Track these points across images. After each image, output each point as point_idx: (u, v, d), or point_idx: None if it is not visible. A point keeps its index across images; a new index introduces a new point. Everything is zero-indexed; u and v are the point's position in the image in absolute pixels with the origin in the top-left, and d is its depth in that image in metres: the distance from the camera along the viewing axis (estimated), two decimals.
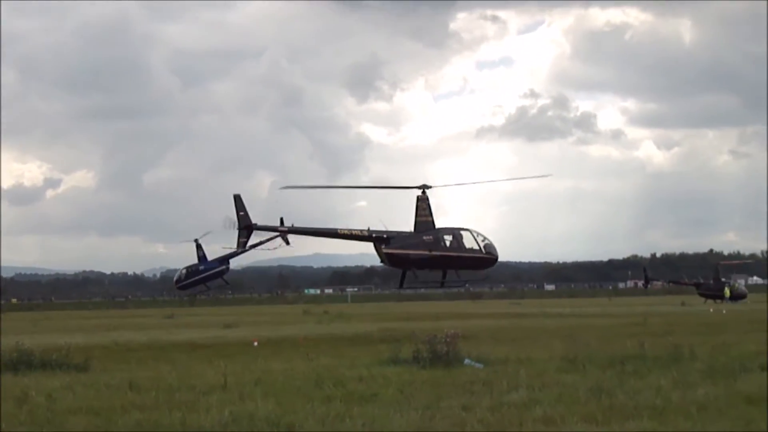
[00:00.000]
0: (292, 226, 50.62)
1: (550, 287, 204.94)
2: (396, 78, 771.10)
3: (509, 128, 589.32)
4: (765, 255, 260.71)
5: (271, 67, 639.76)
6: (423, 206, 45.85)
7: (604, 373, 19.90)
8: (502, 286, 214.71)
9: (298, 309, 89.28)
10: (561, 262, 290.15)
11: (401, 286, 48.52)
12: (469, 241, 46.67)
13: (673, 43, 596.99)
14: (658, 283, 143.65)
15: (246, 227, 47.90)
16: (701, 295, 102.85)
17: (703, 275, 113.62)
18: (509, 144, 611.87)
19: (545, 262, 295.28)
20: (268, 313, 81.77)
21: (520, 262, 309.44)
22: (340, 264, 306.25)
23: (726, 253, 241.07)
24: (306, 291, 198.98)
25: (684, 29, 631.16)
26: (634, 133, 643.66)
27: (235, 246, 52.55)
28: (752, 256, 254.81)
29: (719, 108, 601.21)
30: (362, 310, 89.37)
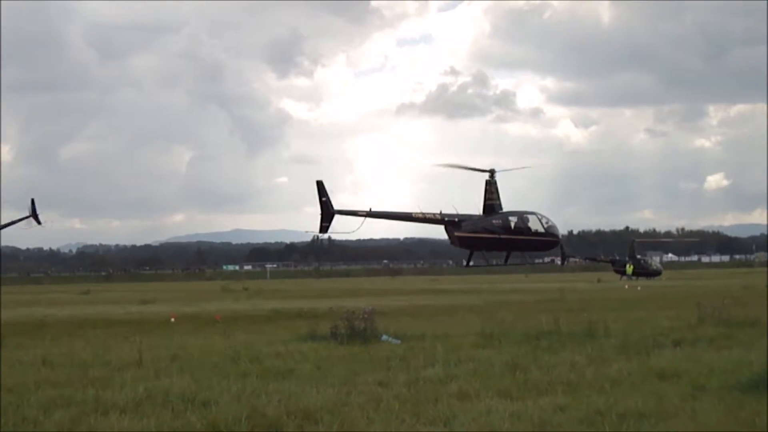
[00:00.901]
0: (370, 210, 52.84)
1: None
2: (317, 54, 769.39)
3: (429, 105, 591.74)
4: (680, 233, 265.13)
5: (191, 42, 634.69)
6: (491, 190, 48.17)
7: (519, 348, 20.07)
8: (422, 262, 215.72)
9: (216, 285, 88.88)
10: None
11: (467, 264, 49.73)
12: (534, 224, 48.55)
13: (591, 22, 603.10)
14: (575, 260, 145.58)
15: (330, 213, 49.61)
16: (617, 271, 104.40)
17: (619, 252, 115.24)
18: (430, 121, 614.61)
19: None
20: (185, 290, 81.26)
21: (440, 239, 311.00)
22: (260, 240, 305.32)
23: (642, 230, 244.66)
24: (225, 267, 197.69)
25: (602, 9, 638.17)
26: (552, 111, 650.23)
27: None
28: (667, 233, 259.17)
29: (636, 87, 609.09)
30: (281, 286, 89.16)
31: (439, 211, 50.80)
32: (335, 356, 19.48)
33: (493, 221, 47.24)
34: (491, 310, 32.94)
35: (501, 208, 48.11)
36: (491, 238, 46.82)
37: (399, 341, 22.51)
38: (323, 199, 48.82)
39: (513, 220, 47.72)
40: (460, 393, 14.11)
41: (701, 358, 17.73)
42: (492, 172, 47.74)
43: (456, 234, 47.53)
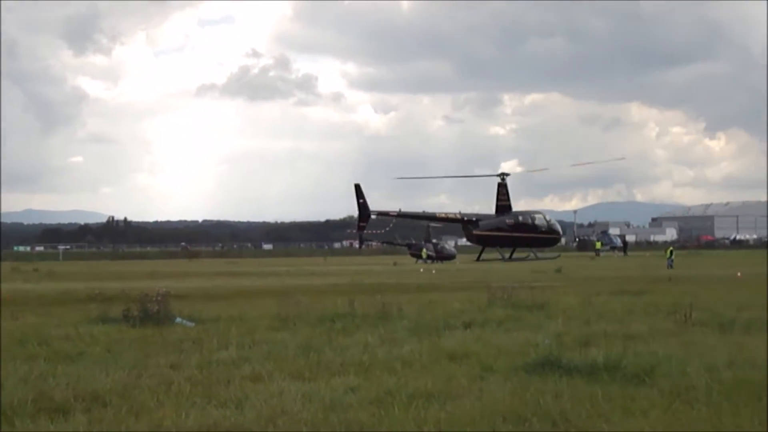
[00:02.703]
0: (400, 210, 58.67)
1: (267, 247, 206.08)
2: (115, 31, 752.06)
3: (231, 87, 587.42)
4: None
5: None
6: (503, 192, 52.93)
7: (314, 330, 20.18)
8: (220, 245, 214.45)
9: (6, 266, 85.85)
10: (279, 221, 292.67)
11: (479, 259, 52.63)
12: (540, 222, 53.12)
13: (391, 9, 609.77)
14: (373, 244, 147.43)
15: (366, 214, 53.94)
16: (413, 255, 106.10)
17: (416, 236, 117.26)
18: (231, 103, 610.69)
19: (264, 222, 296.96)
20: None
21: (239, 222, 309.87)
22: (53, 221, 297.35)
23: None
24: (15, 248, 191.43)
25: None
26: (353, 96, 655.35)
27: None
28: None
29: (434, 74, 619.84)
30: (74, 268, 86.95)
31: (458, 212, 57.52)
32: (127, 339, 19.14)
33: (507, 220, 52.60)
34: (288, 292, 32.91)
35: (511, 209, 53.55)
36: (506, 235, 52.21)
37: (193, 324, 22.29)
38: (360, 201, 53.82)
39: (522, 218, 52.88)
40: (253, 375, 14.10)
41: (490, 339, 18.19)
42: (503, 175, 53.07)
43: (475, 233, 53.02)
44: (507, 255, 53.75)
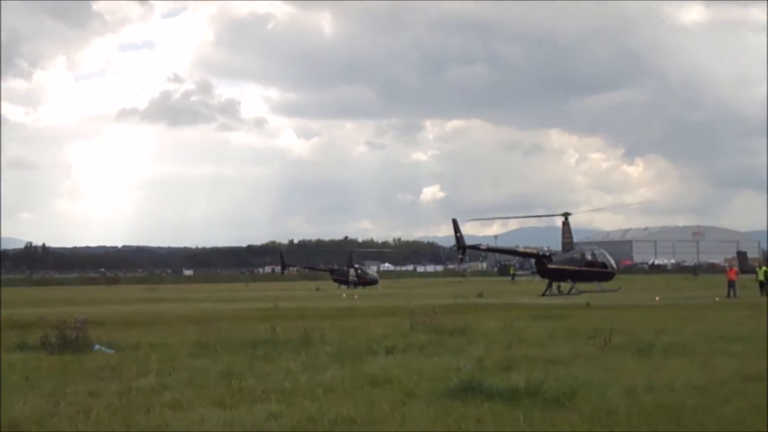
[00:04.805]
0: (488, 246, 68.78)
1: (188, 272, 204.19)
2: (36, 55, 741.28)
3: (152, 112, 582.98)
4: (397, 243, 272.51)
5: None
6: (567, 230, 58.76)
7: (235, 357, 20.02)
8: (140, 271, 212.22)
9: None
10: (200, 247, 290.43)
11: (544, 294, 56.77)
12: (601, 258, 59.85)
13: (314, 35, 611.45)
14: (295, 269, 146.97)
15: (462, 246, 63.99)
16: (335, 280, 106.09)
17: (338, 261, 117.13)
18: (152, 128, 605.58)
19: (184, 248, 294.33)
20: None
21: (159, 247, 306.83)
22: None
23: (360, 240, 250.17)
24: None
25: (325, 22, 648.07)
26: (275, 121, 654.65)
27: None
28: (385, 243, 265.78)
29: (357, 100, 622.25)
30: None
31: (538, 248, 65.58)
32: (45, 366, 18.81)
33: (575, 256, 57.02)
34: (209, 319, 32.64)
35: (573, 246, 58.18)
36: (576, 270, 57.46)
37: (112, 351, 22.01)
38: (457, 234, 62.39)
39: (587, 255, 57.58)
40: (173, 402, 13.92)
41: (412, 364, 18.20)
42: (566, 215, 57.40)
43: (549, 267, 57.92)
44: (570, 289, 57.28)
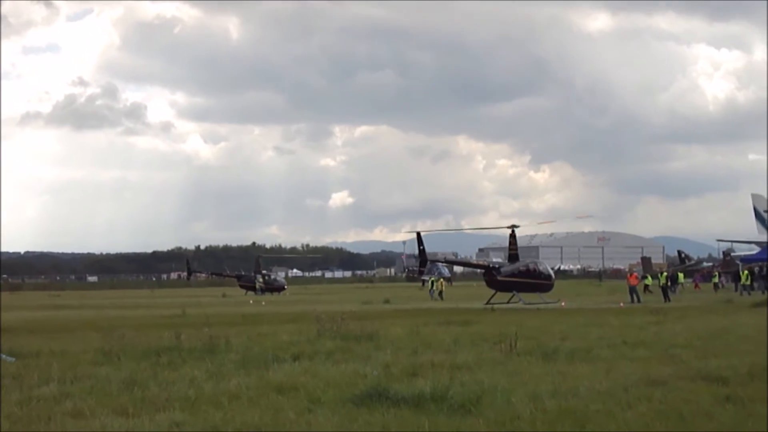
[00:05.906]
0: (446, 257, 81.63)
1: (92, 279, 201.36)
2: None
3: (56, 116, 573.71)
4: (305, 248, 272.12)
5: None
6: (513, 241, 60.21)
7: (138, 364, 19.73)
8: (42, 277, 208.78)
9: None
10: (105, 253, 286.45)
11: (488, 303, 56.48)
12: (543, 269, 61.71)
13: (221, 39, 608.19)
14: (201, 275, 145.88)
15: (424, 260, 67.44)
16: (242, 287, 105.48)
17: (246, 268, 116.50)
18: (56, 132, 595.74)
19: (88, 254, 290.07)
20: None
21: (63, 253, 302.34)
22: None
23: (268, 246, 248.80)
24: None
25: (232, 26, 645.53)
26: (182, 126, 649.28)
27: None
28: (293, 249, 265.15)
29: (265, 105, 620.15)
30: None
31: (486, 261, 73.22)
32: None
33: (521, 268, 59.86)
34: (113, 326, 32.14)
35: (518, 258, 61.37)
36: (522, 281, 58.77)
37: (13, 359, 21.54)
38: (421, 247, 64.22)
39: (531, 266, 60.78)
40: (75, 411, 13.68)
41: (318, 371, 18.10)
42: (513, 227, 58.76)
43: (499, 279, 59.10)
44: (515, 300, 57.78)
